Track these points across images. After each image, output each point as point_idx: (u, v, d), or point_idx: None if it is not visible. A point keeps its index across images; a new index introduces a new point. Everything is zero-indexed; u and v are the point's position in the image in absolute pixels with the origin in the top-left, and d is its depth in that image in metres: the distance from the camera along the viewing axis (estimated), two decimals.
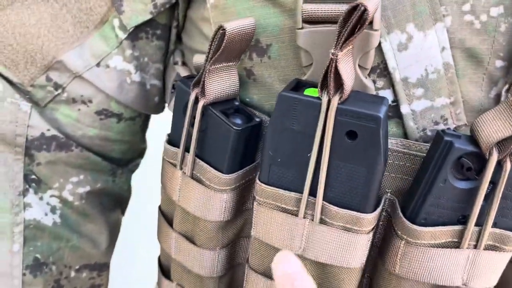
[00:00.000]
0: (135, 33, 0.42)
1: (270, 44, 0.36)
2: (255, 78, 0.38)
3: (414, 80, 0.34)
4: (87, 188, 0.49)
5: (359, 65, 0.33)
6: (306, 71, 0.34)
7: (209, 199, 0.37)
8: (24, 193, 0.45)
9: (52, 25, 0.41)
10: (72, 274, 0.50)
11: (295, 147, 0.33)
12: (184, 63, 0.47)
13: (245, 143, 0.35)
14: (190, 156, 0.37)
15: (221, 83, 0.35)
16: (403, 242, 0.34)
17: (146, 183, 0.69)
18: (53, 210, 0.47)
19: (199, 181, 0.38)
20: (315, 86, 0.33)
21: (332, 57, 0.29)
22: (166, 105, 0.51)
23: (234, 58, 0.35)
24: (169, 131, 0.40)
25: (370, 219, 0.33)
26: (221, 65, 0.35)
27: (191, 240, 0.41)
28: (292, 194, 0.34)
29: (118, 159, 0.51)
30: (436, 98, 0.34)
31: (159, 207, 0.45)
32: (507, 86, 0.34)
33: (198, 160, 0.38)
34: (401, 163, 0.35)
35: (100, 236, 0.51)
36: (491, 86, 0.35)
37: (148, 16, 0.41)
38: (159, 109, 0.51)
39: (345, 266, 0.34)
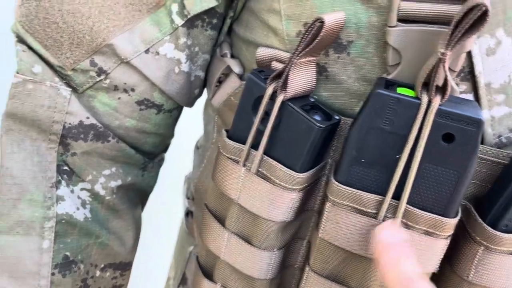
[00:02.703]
0: (192, 21, 0.40)
1: (352, 41, 0.35)
2: (327, 75, 0.37)
3: (497, 85, 0.34)
4: (119, 182, 0.46)
5: (449, 68, 0.32)
6: (391, 70, 0.34)
7: (276, 198, 0.36)
8: (57, 185, 0.42)
9: (104, 5, 0.38)
10: (98, 273, 0.47)
11: (383, 148, 0.32)
12: (232, 56, 0.45)
13: (323, 141, 0.34)
14: (258, 153, 0.36)
15: (303, 78, 0.34)
16: (481, 248, 0.33)
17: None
18: (83, 204, 0.44)
19: (265, 179, 0.36)
20: (404, 85, 0.32)
21: (442, 57, 0.28)
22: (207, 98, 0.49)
23: (317, 53, 0.34)
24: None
25: (452, 224, 0.32)
26: (305, 59, 0.33)
27: (246, 240, 0.39)
28: (373, 196, 0.33)
29: (149, 153, 0.49)
30: None
31: (206, 205, 0.43)
32: None
33: (266, 157, 0.36)
34: (477, 168, 0.35)
35: (127, 233, 0.49)
36: None
37: (214, 3, 0.39)
38: (194, 102, 0.49)
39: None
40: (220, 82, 0.45)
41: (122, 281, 0.50)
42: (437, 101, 0.30)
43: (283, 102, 0.34)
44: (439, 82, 0.29)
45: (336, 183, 0.34)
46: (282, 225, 0.38)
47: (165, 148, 0.53)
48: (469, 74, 0.34)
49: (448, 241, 0.34)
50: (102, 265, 0.47)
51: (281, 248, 0.39)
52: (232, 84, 0.44)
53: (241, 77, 0.44)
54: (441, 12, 0.31)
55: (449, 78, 0.29)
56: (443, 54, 0.28)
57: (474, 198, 0.35)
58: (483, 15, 0.27)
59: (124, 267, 0.49)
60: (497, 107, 0.34)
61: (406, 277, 0.27)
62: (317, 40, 0.31)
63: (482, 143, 0.35)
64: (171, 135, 0.51)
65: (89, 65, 0.40)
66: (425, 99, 0.30)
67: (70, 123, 0.41)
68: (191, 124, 0.73)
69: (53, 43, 0.39)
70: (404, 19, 0.32)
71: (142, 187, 0.50)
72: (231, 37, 0.45)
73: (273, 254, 0.39)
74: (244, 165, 0.37)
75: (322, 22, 0.30)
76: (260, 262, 0.39)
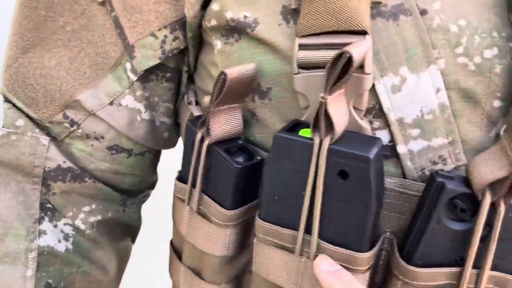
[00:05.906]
0: (146, 76, 0.45)
1: (270, 87, 0.37)
2: (257, 118, 0.39)
3: (409, 120, 0.35)
4: (98, 217, 0.51)
5: (354, 107, 0.34)
6: (304, 112, 0.36)
7: (213, 234, 0.39)
8: (40, 220, 0.48)
9: (71, 67, 0.44)
10: None
11: (290, 186, 0.34)
12: (197, 103, 0.49)
13: (246, 181, 0.37)
14: (196, 192, 0.39)
15: (224, 123, 0.37)
16: (399, 282, 0.33)
17: (155, 213, 0.71)
18: (66, 237, 0.50)
19: (204, 216, 0.40)
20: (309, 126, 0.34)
21: (322, 100, 0.30)
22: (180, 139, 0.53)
23: (237, 100, 0.37)
24: (178, 164, 0.42)
25: (365, 258, 0.33)
26: (224, 106, 0.37)
27: (198, 274, 0.42)
28: (289, 231, 0.35)
29: (128, 191, 0.54)
30: (433, 138, 0.35)
31: (171, 242, 0.47)
32: (504, 126, 0.34)
33: (204, 195, 0.39)
34: (399, 202, 0.35)
35: (109, 263, 0.53)
36: (491, 126, 0.35)
37: (157, 61, 0.43)
38: (169, 144, 0.53)
39: None
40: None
41: None
42: (327, 141, 0.31)
43: (210, 146, 0.38)
44: (328, 123, 0.31)
45: (259, 219, 0.36)
46: (225, 259, 0.40)
47: (149, 186, 0.58)
48: (380, 111, 0.35)
49: (367, 275, 0.34)
50: None
51: (229, 281, 0.42)
52: None
53: None
54: (330, 58, 0.33)
55: (336, 119, 0.31)
56: (322, 97, 0.30)
57: (401, 231, 0.36)
58: (349, 61, 0.29)
59: None
60: (413, 141, 0.35)
61: None
62: (225, 90, 0.34)
63: (404, 177, 0.36)
64: (150, 174, 0.55)
65: (62, 118, 0.46)
66: (316, 140, 0.32)
67: (49, 167, 0.47)
68: None
69: (31, 101, 0.46)
70: (305, 66, 0.34)
71: (125, 221, 0.55)
72: (195, 86, 0.50)
73: (220, 287, 0.41)
74: (188, 204, 0.41)
75: (225, 74, 0.34)
76: None
